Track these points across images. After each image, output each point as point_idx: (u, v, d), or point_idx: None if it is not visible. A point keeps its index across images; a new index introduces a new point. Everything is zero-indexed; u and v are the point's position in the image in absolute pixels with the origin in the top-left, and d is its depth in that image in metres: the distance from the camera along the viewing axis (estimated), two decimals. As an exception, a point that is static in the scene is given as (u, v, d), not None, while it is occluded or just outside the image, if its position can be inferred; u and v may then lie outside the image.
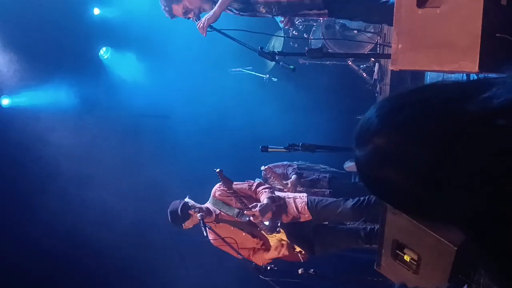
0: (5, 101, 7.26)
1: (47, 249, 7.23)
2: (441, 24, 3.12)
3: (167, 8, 5.03)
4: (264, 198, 5.50)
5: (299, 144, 4.49)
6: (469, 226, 1.19)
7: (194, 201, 5.59)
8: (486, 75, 2.95)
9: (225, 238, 5.40)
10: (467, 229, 1.21)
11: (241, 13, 5.16)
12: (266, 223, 5.47)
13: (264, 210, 5.30)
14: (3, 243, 6.99)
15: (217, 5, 4.81)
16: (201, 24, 4.79)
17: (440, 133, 1.16)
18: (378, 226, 5.64)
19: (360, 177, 1.33)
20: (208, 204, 5.67)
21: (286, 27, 5.65)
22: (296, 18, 7.53)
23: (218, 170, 5.15)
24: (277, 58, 4.62)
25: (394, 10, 3.31)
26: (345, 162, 7.34)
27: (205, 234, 5.29)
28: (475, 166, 1.11)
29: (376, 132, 1.24)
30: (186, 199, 5.53)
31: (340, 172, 7.08)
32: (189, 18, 5.08)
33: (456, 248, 3.40)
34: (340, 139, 6.98)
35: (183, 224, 5.44)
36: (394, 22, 3.30)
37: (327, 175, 6.63)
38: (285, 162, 6.67)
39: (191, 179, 7.09)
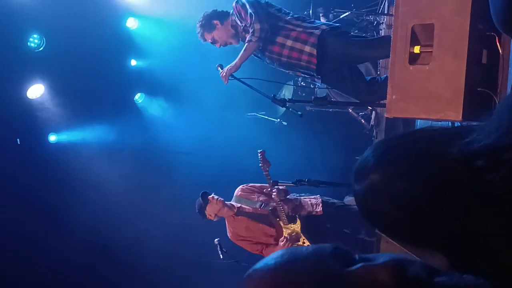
0: (53, 138, 7.34)
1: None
2: (429, 79, 3.16)
3: (200, 32, 5.27)
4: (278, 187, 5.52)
5: (305, 180, 4.51)
6: (450, 252, 1.19)
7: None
8: (468, 123, 2.98)
9: (242, 229, 5.40)
10: (448, 255, 1.21)
11: (261, 57, 5.33)
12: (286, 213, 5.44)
13: (279, 191, 5.32)
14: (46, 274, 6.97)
15: (237, 57, 4.93)
16: (224, 73, 4.90)
17: (426, 171, 1.18)
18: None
19: (358, 209, 1.34)
20: (231, 202, 5.63)
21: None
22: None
23: (261, 150, 5.19)
24: (287, 105, 4.68)
25: (389, 66, 3.36)
26: (345, 197, 7.31)
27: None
28: (454, 199, 1.13)
29: (371, 169, 1.26)
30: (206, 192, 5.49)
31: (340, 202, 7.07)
32: (216, 45, 5.34)
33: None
34: (341, 176, 7.03)
35: (206, 212, 5.36)
36: (389, 76, 3.35)
37: (328, 199, 6.61)
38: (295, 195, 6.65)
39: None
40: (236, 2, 5.08)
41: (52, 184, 6.96)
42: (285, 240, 5.41)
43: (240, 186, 5.73)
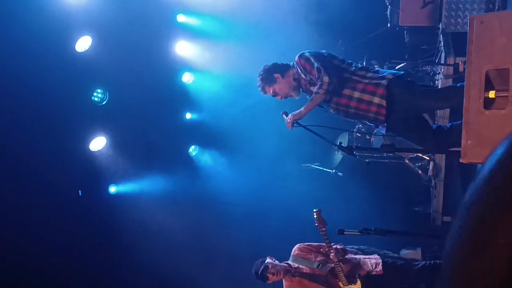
0: (113, 189, 7.50)
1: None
2: (506, 123, 3.13)
3: (260, 86, 5.27)
4: (336, 246, 5.48)
5: (372, 229, 4.45)
6: None
7: (275, 259, 5.53)
8: None
9: None
10: None
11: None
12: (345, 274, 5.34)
13: (337, 250, 5.28)
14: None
15: (304, 107, 4.96)
16: (289, 120, 4.92)
17: None
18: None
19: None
20: (288, 262, 5.57)
21: None
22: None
23: (317, 209, 5.13)
24: (354, 153, 4.68)
25: (463, 112, 3.35)
26: (401, 250, 7.19)
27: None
28: None
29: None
30: (267, 260, 5.46)
31: (399, 257, 6.92)
32: (277, 99, 5.33)
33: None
34: (400, 227, 6.93)
35: (266, 282, 5.38)
36: (463, 122, 3.33)
37: (389, 260, 6.49)
38: (354, 248, 6.55)
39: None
40: (299, 56, 5.09)
41: (111, 234, 7.06)
42: None
43: (297, 246, 5.66)
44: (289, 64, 5.27)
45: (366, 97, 4.90)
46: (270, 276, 5.31)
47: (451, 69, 6.25)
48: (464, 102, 3.34)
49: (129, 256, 7.02)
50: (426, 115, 6.39)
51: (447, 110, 6.25)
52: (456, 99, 4.51)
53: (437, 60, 6.93)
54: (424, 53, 7.52)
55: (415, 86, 5.06)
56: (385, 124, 5.03)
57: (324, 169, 8.06)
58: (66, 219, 6.48)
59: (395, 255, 6.76)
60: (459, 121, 3.79)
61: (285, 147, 8.17)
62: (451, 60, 6.31)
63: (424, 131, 5.09)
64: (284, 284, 5.40)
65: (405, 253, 7.20)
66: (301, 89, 5.26)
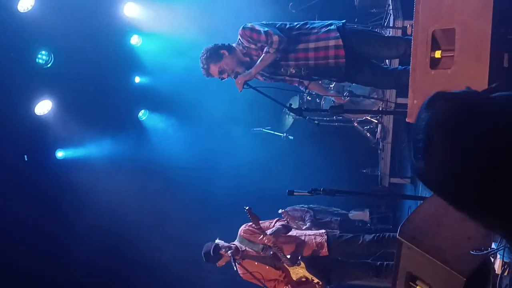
0: (60, 154, 7.33)
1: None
2: (451, 83, 3.18)
3: (205, 66, 5.07)
4: (277, 225, 5.65)
5: (320, 189, 4.49)
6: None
7: (224, 241, 5.62)
8: None
9: (252, 272, 5.39)
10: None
11: (271, 75, 5.22)
12: (288, 256, 5.45)
13: (275, 232, 5.45)
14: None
15: (254, 67, 4.89)
16: (239, 81, 4.86)
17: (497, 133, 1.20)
18: (387, 262, 5.65)
19: (424, 183, 1.33)
20: (235, 242, 5.67)
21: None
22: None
23: (247, 208, 5.18)
24: (303, 114, 4.69)
25: (410, 71, 3.39)
26: (350, 211, 7.34)
27: (235, 269, 5.31)
28: None
29: (431, 126, 1.29)
30: (217, 241, 5.57)
31: (348, 215, 7.10)
32: (222, 79, 5.15)
33: (465, 279, 3.36)
34: (348, 188, 7.06)
35: (217, 263, 5.47)
36: (410, 81, 3.37)
37: (338, 218, 6.65)
38: (304, 207, 6.66)
39: (220, 222, 7.09)
40: (242, 28, 5.00)
41: (58, 200, 6.95)
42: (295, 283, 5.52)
43: (243, 227, 5.76)
44: (231, 44, 5.15)
45: (321, 43, 4.87)
46: (223, 252, 5.39)
47: (399, 32, 6.30)
48: (411, 61, 3.38)
49: (77, 221, 6.92)
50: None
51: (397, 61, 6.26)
52: (403, 47, 4.62)
53: (386, 23, 6.98)
54: (373, 16, 7.56)
55: (360, 29, 5.24)
56: (346, 70, 4.97)
57: (275, 132, 8.08)
58: (11, 185, 6.33)
59: (343, 212, 6.93)
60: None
61: (236, 111, 8.15)
62: (399, 23, 6.35)
63: (378, 69, 5.17)
64: (237, 267, 5.47)
65: (354, 214, 7.36)
66: (246, 68, 5.08)
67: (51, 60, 6.71)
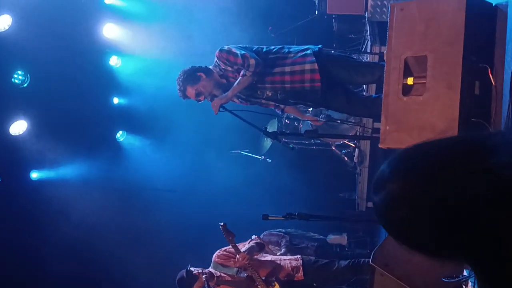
0: (34, 175, 7.22)
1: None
2: (424, 110, 3.19)
3: (182, 88, 5.01)
4: (251, 243, 5.62)
5: (295, 213, 4.46)
6: (475, 261, 1.17)
7: (197, 267, 5.55)
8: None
9: None
10: (473, 263, 1.19)
11: (248, 98, 5.19)
12: (263, 278, 5.39)
13: (249, 250, 5.43)
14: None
15: (231, 90, 4.86)
16: (215, 104, 4.83)
17: (448, 175, 1.16)
18: (361, 288, 5.62)
19: (378, 219, 1.31)
20: (210, 269, 5.59)
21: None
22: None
23: (222, 223, 5.12)
24: (279, 138, 4.68)
25: (383, 98, 3.39)
26: (328, 235, 7.30)
27: None
28: (477, 207, 1.10)
29: (388, 178, 1.24)
30: (189, 268, 5.48)
31: (325, 240, 7.05)
32: (199, 101, 5.10)
33: (437, 306, 3.35)
34: (325, 212, 7.03)
35: None
36: (382, 107, 3.37)
37: (315, 244, 6.58)
38: (281, 232, 6.60)
39: (195, 247, 7.01)
40: (219, 51, 4.99)
41: (32, 222, 6.82)
42: None
43: (217, 252, 5.69)
44: (208, 67, 5.13)
45: (297, 67, 4.87)
46: (197, 274, 5.33)
47: (376, 57, 6.34)
48: (384, 88, 3.39)
49: (50, 244, 6.79)
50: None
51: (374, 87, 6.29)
52: (378, 73, 4.62)
53: (363, 48, 7.03)
54: (351, 42, 7.62)
55: (336, 54, 5.32)
56: (321, 94, 4.95)
57: (253, 155, 8.06)
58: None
59: (321, 237, 6.89)
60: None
61: (214, 133, 8.13)
62: (376, 49, 6.41)
63: (352, 97, 5.17)
64: None
65: (332, 238, 7.33)
66: (224, 91, 5.04)
67: (27, 80, 6.66)
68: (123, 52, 8.31)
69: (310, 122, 6.75)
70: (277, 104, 5.32)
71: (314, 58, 4.87)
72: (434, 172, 1.19)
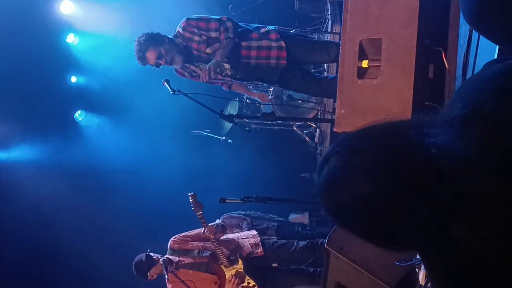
0: (-11, 156, 7.04)
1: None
2: (378, 93, 3.17)
3: (142, 48, 4.80)
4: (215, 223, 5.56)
5: (253, 196, 4.44)
6: (418, 234, 1.16)
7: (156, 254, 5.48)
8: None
9: (184, 281, 5.25)
10: (416, 239, 1.17)
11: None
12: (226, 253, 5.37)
13: (216, 226, 5.42)
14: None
15: (217, 55, 4.77)
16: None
17: (386, 148, 1.17)
18: (320, 269, 5.64)
19: (321, 202, 1.28)
20: (166, 256, 5.51)
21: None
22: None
23: (192, 193, 5.05)
24: (235, 120, 4.62)
25: (338, 81, 3.35)
26: (290, 215, 7.31)
27: (166, 278, 5.17)
28: (412, 180, 1.11)
29: (330, 153, 1.24)
30: (149, 252, 5.41)
31: (286, 221, 7.03)
32: (157, 66, 4.91)
33: (391, 289, 3.37)
34: (286, 193, 7.03)
35: (148, 273, 5.28)
36: (337, 90, 3.34)
37: (275, 223, 6.56)
38: (241, 214, 6.55)
39: (153, 230, 6.92)
40: (187, 19, 4.86)
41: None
42: (232, 281, 5.39)
43: (172, 238, 5.60)
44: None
45: (264, 42, 4.83)
46: (156, 259, 5.25)
47: (337, 37, 6.29)
48: (339, 71, 3.35)
49: (3, 230, 6.62)
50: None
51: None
52: (334, 52, 4.66)
53: (324, 28, 6.99)
54: (312, 21, 7.56)
55: (293, 33, 5.28)
56: (282, 74, 4.95)
57: (214, 136, 7.97)
58: None
59: (281, 219, 6.88)
60: None
61: (175, 113, 8.00)
62: (337, 29, 6.36)
63: (308, 77, 5.17)
64: (168, 281, 5.26)
65: (293, 217, 7.33)
66: (183, 60, 4.97)
67: (-23, 58, 6.43)
68: (80, 29, 8.08)
69: (271, 103, 6.73)
70: (224, 81, 5.24)
71: (280, 36, 4.85)
72: (373, 141, 1.21)
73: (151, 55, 4.84)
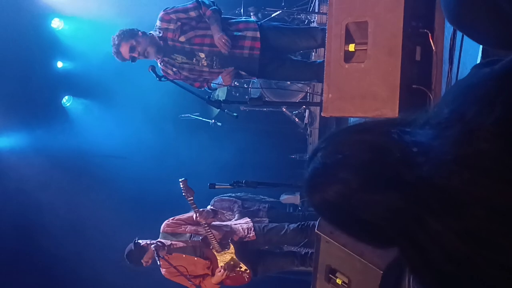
0: (-26, 145, 6.96)
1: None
2: (365, 77, 3.14)
3: (116, 43, 4.93)
4: (206, 209, 5.53)
5: (242, 181, 4.43)
6: (397, 231, 1.15)
7: (147, 239, 5.45)
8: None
9: (176, 267, 5.25)
10: (396, 235, 1.17)
11: (183, 65, 5.10)
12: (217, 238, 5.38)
13: (207, 211, 5.39)
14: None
15: (213, 27, 4.77)
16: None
17: (367, 143, 1.18)
18: (311, 251, 5.66)
19: (307, 198, 1.30)
20: (158, 239, 5.50)
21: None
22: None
23: (183, 179, 5.03)
24: (222, 106, 4.59)
25: (325, 65, 3.32)
26: (281, 195, 7.30)
27: (159, 265, 5.16)
28: (393, 176, 1.11)
29: (317, 149, 1.26)
30: (137, 240, 5.38)
31: (277, 202, 7.03)
32: (133, 59, 4.98)
33: (382, 272, 3.37)
34: (277, 175, 7.02)
35: (142, 261, 5.26)
36: (325, 75, 3.31)
37: (266, 205, 6.55)
38: (232, 196, 6.54)
39: (143, 215, 6.90)
40: (164, 11, 4.92)
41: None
42: (222, 269, 5.39)
43: (165, 222, 5.59)
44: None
45: (239, 32, 4.88)
46: (145, 245, 5.22)
47: (324, 17, 6.25)
48: (325, 55, 3.32)
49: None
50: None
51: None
52: (320, 37, 4.71)
53: (311, 8, 6.92)
54: (299, 1, 7.48)
55: (275, 23, 5.26)
56: (260, 65, 4.95)
57: (203, 119, 7.93)
58: None
59: (272, 199, 6.88)
60: None
61: (164, 98, 7.93)
62: (324, 8, 6.32)
63: (298, 62, 5.20)
64: (161, 266, 5.27)
65: (285, 197, 7.33)
66: (162, 52, 5.02)
67: (-40, 46, 6.33)
68: (65, 13, 7.96)
69: (259, 85, 6.70)
70: (204, 78, 5.22)
71: (257, 26, 4.87)
72: (356, 139, 1.21)
73: (124, 49, 4.92)
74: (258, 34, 4.83)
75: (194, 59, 4.97)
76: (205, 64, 5.01)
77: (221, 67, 5.04)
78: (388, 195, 1.12)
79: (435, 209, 1.06)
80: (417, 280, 1.20)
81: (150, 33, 5.01)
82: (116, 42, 4.92)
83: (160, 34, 4.95)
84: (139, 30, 4.97)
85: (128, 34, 4.90)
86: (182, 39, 4.90)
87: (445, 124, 1.10)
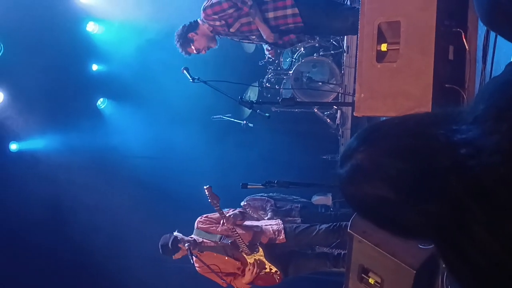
0: (13, 146, 7.10)
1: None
2: (397, 76, 3.14)
3: (183, 51, 5.35)
4: (235, 211, 5.58)
5: (275, 181, 4.45)
6: (438, 235, 1.15)
7: (182, 234, 5.52)
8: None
9: (209, 265, 5.31)
10: (437, 239, 1.17)
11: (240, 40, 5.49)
12: (246, 244, 5.41)
13: (234, 216, 5.42)
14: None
15: (259, 25, 5.02)
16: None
17: (412, 148, 1.15)
18: (344, 251, 5.64)
19: (342, 193, 1.29)
20: (193, 236, 5.58)
21: (271, 56, 5.96)
22: (269, 72, 7.56)
23: (207, 186, 5.08)
24: (254, 107, 4.63)
25: (357, 65, 3.33)
26: (313, 196, 7.30)
27: (192, 262, 5.23)
28: (438, 181, 1.09)
29: (355, 149, 1.23)
30: (175, 233, 5.45)
31: (309, 202, 7.03)
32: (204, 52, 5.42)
33: (415, 272, 3.36)
34: (309, 175, 7.01)
35: (173, 256, 5.37)
36: (357, 75, 3.32)
37: (299, 205, 6.57)
38: (264, 196, 6.57)
39: (179, 213, 6.96)
40: (203, 10, 5.09)
41: (13, 194, 6.73)
42: (251, 267, 5.42)
43: (199, 218, 5.68)
44: (197, 21, 5.30)
45: (279, 13, 5.01)
46: (181, 246, 5.30)
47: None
48: (357, 55, 3.32)
49: (30, 215, 6.72)
50: (329, 65, 6.47)
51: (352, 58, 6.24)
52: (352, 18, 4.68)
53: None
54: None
55: None
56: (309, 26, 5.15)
57: (235, 120, 7.98)
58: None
59: (303, 200, 6.88)
60: None
61: (196, 98, 8.00)
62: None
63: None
64: (194, 263, 5.35)
65: (317, 198, 7.32)
66: (220, 37, 5.40)
67: (1, 50, 6.48)
68: (100, 17, 8.11)
69: (290, 86, 6.70)
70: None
71: (294, 2, 4.97)
72: (401, 144, 1.18)
73: (192, 52, 5.39)
74: (297, 10, 4.96)
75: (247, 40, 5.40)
76: (257, 40, 5.35)
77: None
78: (431, 206, 1.10)
79: (481, 216, 1.05)
80: (454, 281, 1.18)
81: (200, 26, 5.30)
82: (183, 51, 5.36)
83: (211, 28, 5.25)
84: (191, 30, 5.29)
85: (187, 42, 5.31)
86: (232, 30, 5.18)
87: (487, 117, 1.08)
